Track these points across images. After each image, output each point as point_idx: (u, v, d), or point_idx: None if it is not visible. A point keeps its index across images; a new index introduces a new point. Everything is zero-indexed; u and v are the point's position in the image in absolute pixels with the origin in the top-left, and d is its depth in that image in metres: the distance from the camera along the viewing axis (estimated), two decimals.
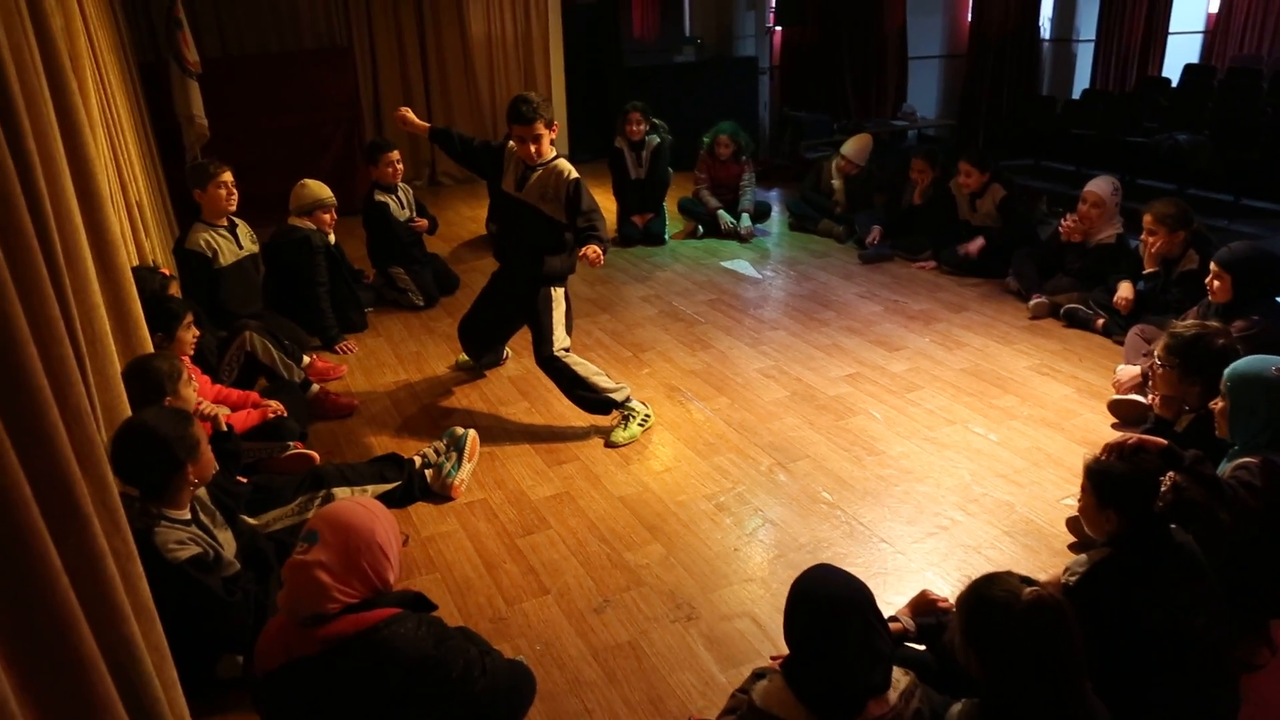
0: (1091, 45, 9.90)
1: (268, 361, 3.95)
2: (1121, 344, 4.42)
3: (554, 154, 3.82)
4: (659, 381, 4.42)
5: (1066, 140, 8.53)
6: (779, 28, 10.27)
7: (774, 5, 10.16)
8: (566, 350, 3.84)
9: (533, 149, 3.71)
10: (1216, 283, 3.56)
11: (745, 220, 6.71)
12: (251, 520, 3.04)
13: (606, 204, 7.41)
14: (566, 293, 4.02)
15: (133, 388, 2.81)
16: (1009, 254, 5.55)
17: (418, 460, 3.47)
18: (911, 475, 3.52)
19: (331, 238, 4.97)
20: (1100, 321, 4.76)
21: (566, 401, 4.03)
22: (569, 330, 3.95)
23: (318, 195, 4.87)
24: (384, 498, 3.32)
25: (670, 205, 7.05)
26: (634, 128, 6.47)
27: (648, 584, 2.92)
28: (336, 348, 4.83)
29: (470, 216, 7.67)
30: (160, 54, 6.76)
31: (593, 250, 3.49)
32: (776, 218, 7.30)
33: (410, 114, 4.03)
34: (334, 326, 4.86)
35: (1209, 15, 10.66)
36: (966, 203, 5.80)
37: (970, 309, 5.23)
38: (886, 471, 3.55)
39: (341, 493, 3.21)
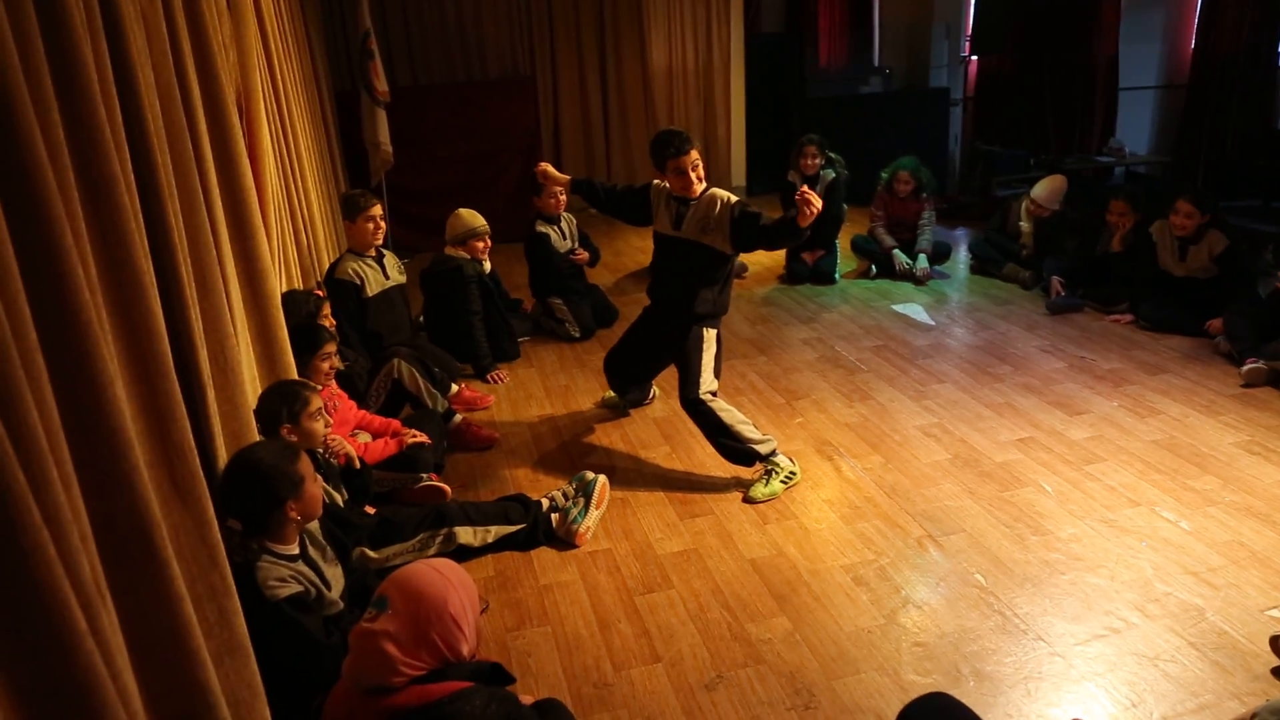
0: None
1: (413, 389, 3.98)
2: None
3: (706, 184, 3.74)
4: (810, 434, 4.16)
5: None
6: (974, 56, 9.76)
7: (970, 33, 9.67)
8: (714, 394, 3.68)
9: (694, 177, 3.65)
10: None
11: (922, 261, 6.33)
12: (372, 554, 3.03)
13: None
14: (719, 335, 3.87)
15: (260, 415, 2.85)
16: (1215, 300, 4.99)
17: (545, 503, 3.38)
18: (1082, 563, 3.12)
19: (486, 265, 5.02)
20: None
21: (709, 449, 3.86)
22: (717, 374, 3.79)
23: (470, 225, 4.92)
24: (507, 540, 3.26)
25: (843, 242, 6.76)
26: (809, 161, 6.24)
27: (767, 662, 2.69)
28: (488, 377, 4.85)
29: (640, 248, 7.64)
30: (354, 83, 7.11)
31: (803, 200, 3.23)
32: (958, 259, 6.85)
33: (550, 168, 4.09)
34: (487, 355, 4.89)
35: None
36: (1173, 250, 5.21)
37: (1169, 371, 4.67)
38: (1053, 556, 3.17)
39: (463, 532, 3.16)
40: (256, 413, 2.86)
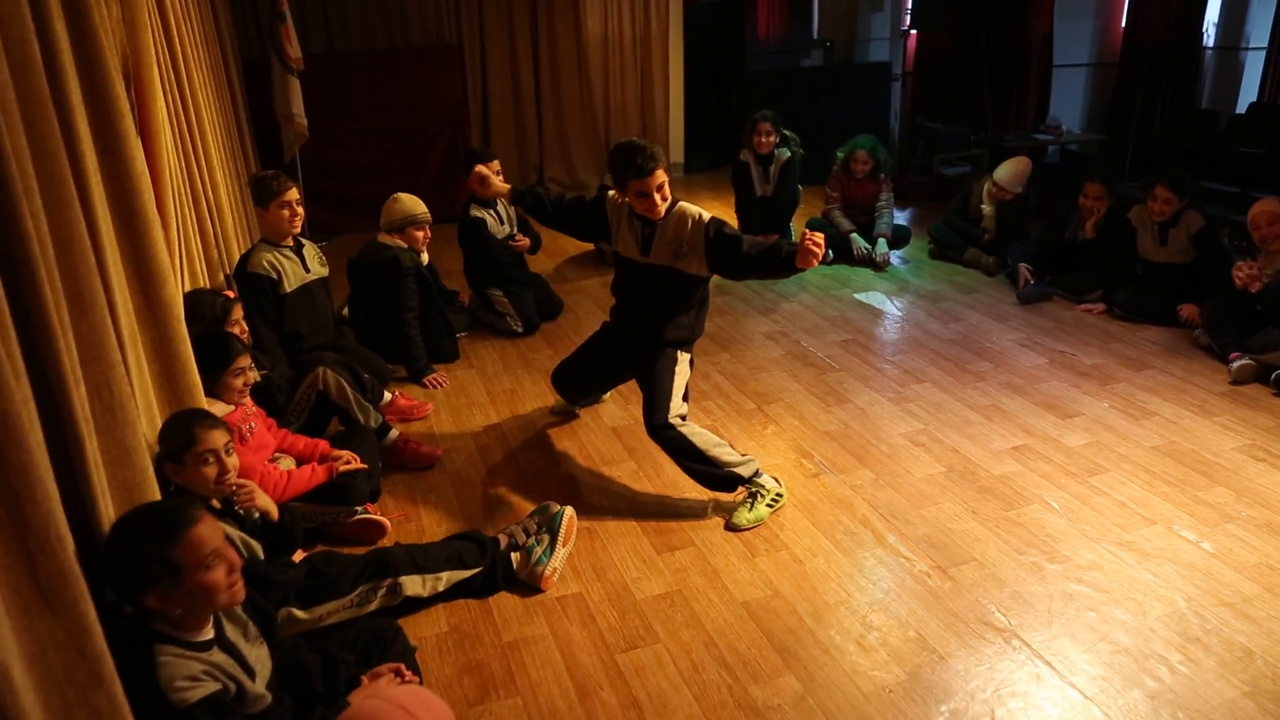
0: (1262, 54, 8.80)
1: (342, 402, 3.47)
2: None
3: (672, 199, 3.27)
4: (787, 443, 3.78)
5: (1231, 159, 7.60)
6: (914, 30, 9.48)
7: (910, 6, 9.38)
8: (683, 418, 3.25)
9: (658, 198, 3.18)
10: None
11: (881, 246, 6.00)
12: (301, 613, 2.54)
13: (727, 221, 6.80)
14: (692, 358, 3.48)
15: (161, 452, 2.36)
16: (1191, 288, 4.81)
17: (503, 540, 2.92)
18: (1108, 595, 2.81)
19: (425, 257, 4.49)
20: None
21: (678, 468, 3.46)
22: (686, 397, 3.36)
23: (410, 210, 4.38)
24: (462, 586, 2.79)
25: (797, 226, 6.38)
26: (763, 139, 5.84)
27: None
28: (424, 381, 4.34)
29: None
30: (264, 49, 6.43)
31: (811, 243, 2.88)
32: (915, 243, 6.53)
33: (489, 175, 3.58)
34: (423, 357, 4.37)
35: None
36: (1153, 234, 4.96)
37: (1153, 366, 4.43)
38: (1074, 587, 2.85)
39: (410, 582, 2.68)
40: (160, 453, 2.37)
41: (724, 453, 3.20)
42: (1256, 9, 8.87)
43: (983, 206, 5.97)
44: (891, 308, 5.34)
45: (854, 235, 6.07)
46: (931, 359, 4.57)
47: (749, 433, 3.88)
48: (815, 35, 9.78)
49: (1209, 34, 9.19)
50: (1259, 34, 8.81)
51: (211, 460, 2.36)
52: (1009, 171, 5.79)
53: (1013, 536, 3.11)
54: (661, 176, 3.16)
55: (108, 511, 1.95)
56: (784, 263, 3.02)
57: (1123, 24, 9.51)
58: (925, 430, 3.85)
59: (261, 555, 2.54)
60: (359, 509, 3.09)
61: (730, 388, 4.31)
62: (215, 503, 2.48)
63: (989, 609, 2.76)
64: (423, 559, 2.73)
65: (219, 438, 2.41)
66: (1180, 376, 4.30)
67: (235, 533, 2.48)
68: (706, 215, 3.23)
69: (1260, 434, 3.76)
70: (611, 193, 3.41)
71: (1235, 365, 4.23)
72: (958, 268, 6.00)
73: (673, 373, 3.31)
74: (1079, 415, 3.95)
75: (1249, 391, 4.13)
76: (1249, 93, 8.93)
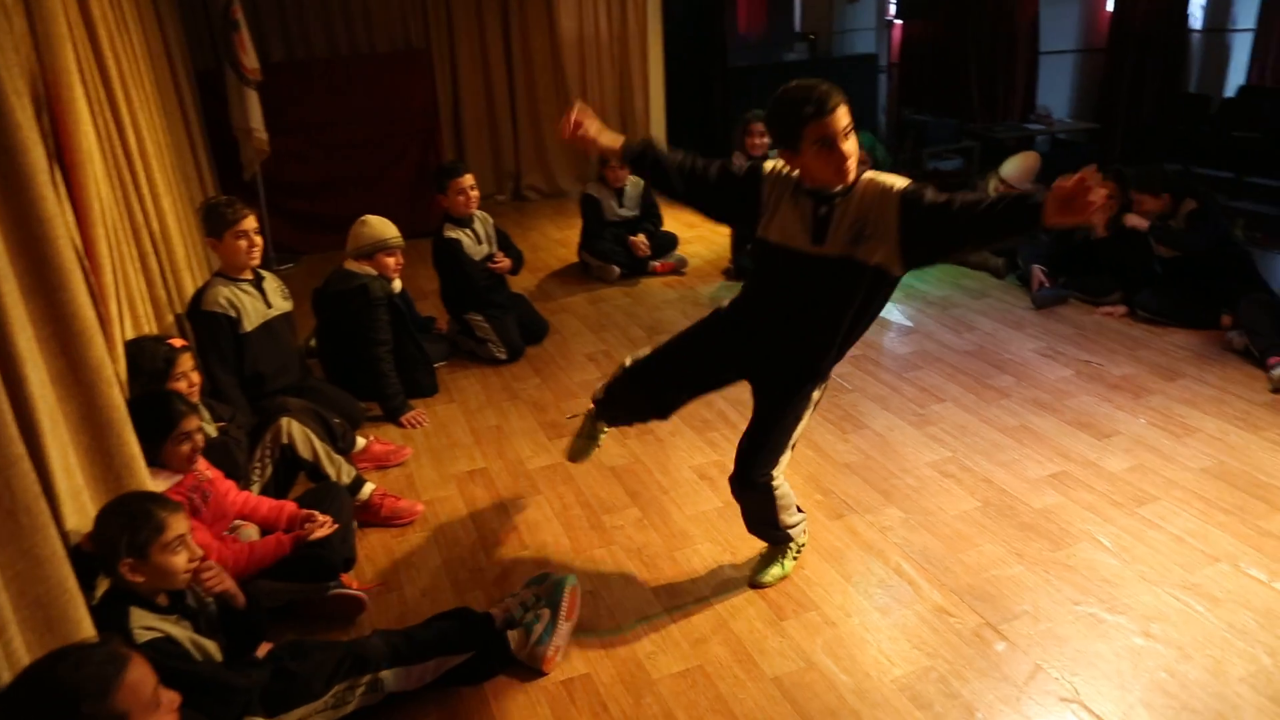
0: (1250, 35, 8.63)
1: (309, 457, 3.10)
2: None
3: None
4: (804, 477, 3.45)
5: (1223, 144, 7.42)
6: (899, 20, 9.19)
7: None
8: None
9: (846, 149, 2.26)
10: None
11: None
12: None
13: (719, 229, 6.46)
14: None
15: (96, 546, 2.01)
16: (1214, 286, 4.50)
17: (498, 616, 2.57)
18: (1180, 651, 2.49)
19: (397, 284, 4.12)
20: None
21: (687, 510, 3.14)
22: (794, 444, 2.73)
23: (380, 234, 4.00)
24: (452, 673, 2.44)
25: None
26: (756, 140, 5.49)
27: None
28: (402, 420, 3.97)
29: (559, 240, 6.79)
30: (219, 60, 6.02)
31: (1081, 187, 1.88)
32: None
33: (587, 120, 2.49)
34: (398, 394, 3.99)
35: None
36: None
37: (1186, 375, 4.13)
38: (1141, 642, 2.53)
39: (392, 676, 2.32)
40: (93, 541, 2.02)
41: (791, 515, 2.80)
42: None
43: None
44: (899, 317, 5.02)
45: None
46: (949, 374, 4.25)
47: None
48: (797, 29, 9.47)
49: (1196, 16, 8.98)
50: (1246, 15, 8.65)
51: (180, 547, 2.04)
52: (1017, 167, 5.49)
53: (1065, 583, 2.79)
54: (846, 117, 2.26)
55: (13, 645, 1.59)
56: (1028, 216, 2.03)
57: (1109, 8, 9.28)
58: (953, 458, 3.53)
59: (218, 656, 2.18)
60: (332, 584, 2.73)
61: (736, 415, 3.96)
62: (162, 598, 2.13)
63: (1051, 675, 2.43)
64: (405, 647, 2.37)
65: (183, 521, 2.08)
66: (1217, 386, 4.00)
67: (185, 634, 2.12)
68: (901, 182, 2.31)
69: None
70: (769, 164, 2.47)
71: (1276, 372, 3.94)
72: (964, 270, 5.69)
73: (799, 419, 2.61)
74: (1116, 434, 3.64)
75: None
76: (1237, 75, 8.77)
